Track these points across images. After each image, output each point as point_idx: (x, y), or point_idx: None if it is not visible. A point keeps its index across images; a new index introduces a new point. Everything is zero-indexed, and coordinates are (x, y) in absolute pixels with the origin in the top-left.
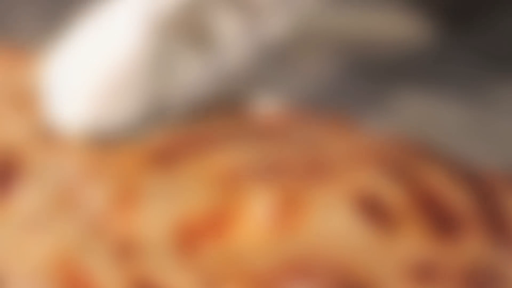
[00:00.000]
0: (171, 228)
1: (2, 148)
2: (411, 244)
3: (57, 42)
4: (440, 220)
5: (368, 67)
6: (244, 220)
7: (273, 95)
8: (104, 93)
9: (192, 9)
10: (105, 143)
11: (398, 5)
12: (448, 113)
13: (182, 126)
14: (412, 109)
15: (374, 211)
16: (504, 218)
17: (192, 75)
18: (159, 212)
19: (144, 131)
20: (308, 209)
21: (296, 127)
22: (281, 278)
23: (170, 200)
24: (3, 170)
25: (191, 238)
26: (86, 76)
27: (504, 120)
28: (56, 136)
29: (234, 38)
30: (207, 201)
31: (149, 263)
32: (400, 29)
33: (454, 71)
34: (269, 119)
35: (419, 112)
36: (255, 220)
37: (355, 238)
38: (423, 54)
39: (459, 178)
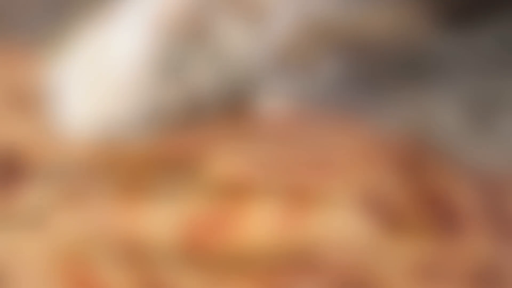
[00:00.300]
0: (177, 229)
1: (7, 146)
2: (416, 243)
3: (64, 42)
4: (445, 219)
5: (372, 66)
6: (251, 220)
7: (278, 96)
8: (111, 93)
9: (197, 13)
10: (112, 144)
11: (400, 3)
12: (452, 112)
13: (189, 127)
14: (416, 108)
15: (380, 210)
16: (509, 217)
17: (198, 77)
18: (166, 212)
19: (150, 132)
20: (314, 209)
21: (301, 127)
22: (287, 276)
23: (177, 201)
24: (8, 168)
25: (198, 239)
26: (94, 76)
27: (508, 119)
28: (62, 135)
29: (240, 40)
30: (214, 202)
31: (156, 263)
32: (403, 27)
33: (457, 69)
34: (275, 119)
35: (422, 111)
36: (262, 220)
37: (361, 236)
38: (426, 53)
39: (464, 177)
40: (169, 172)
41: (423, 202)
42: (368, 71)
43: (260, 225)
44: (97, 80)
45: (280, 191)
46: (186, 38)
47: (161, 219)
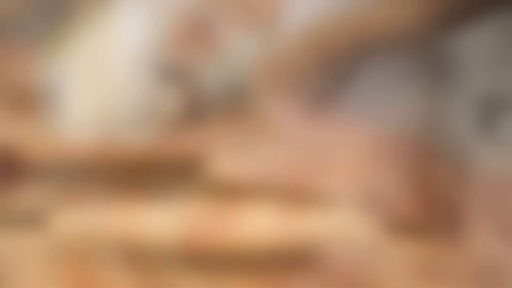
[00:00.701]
0: (177, 229)
1: (7, 145)
2: (418, 243)
3: (63, 42)
4: (448, 220)
5: (377, 65)
6: (251, 220)
7: (279, 97)
8: (111, 93)
9: (201, 13)
10: (111, 143)
11: (408, 1)
12: (457, 112)
13: (190, 127)
14: (420, 108)
15: (382, 210)
16: (511, 217)
17: (200, 78)
18: (166, 212)
19: (151, 132)
20: (315, 209)
21: (303, 127)
22: (288, 276)
23: (177, 201)
24: (7, 168)
25: (198, 239)
26: (93, 76)
27: (510, 118)
28: (62, 134)
29: (242, 41)
30: (214, 202)
31: (156, 263)
32: (411, 26)
33: (463, 69)
34: (275, 120)
35: (427, 111)
36: (262, 220)
37: (362, 237)
38: (432, 52)
39: (468, 177)
40: (169, 172)
41: (426, 202)
42: (372, 70)
43: (260, 225)
44: (97, 79)
45: (281, 191)
46: (188, 38)
47: (161, 219)
